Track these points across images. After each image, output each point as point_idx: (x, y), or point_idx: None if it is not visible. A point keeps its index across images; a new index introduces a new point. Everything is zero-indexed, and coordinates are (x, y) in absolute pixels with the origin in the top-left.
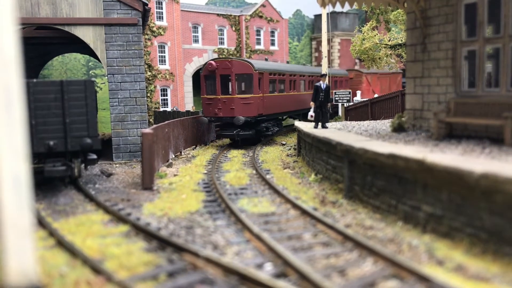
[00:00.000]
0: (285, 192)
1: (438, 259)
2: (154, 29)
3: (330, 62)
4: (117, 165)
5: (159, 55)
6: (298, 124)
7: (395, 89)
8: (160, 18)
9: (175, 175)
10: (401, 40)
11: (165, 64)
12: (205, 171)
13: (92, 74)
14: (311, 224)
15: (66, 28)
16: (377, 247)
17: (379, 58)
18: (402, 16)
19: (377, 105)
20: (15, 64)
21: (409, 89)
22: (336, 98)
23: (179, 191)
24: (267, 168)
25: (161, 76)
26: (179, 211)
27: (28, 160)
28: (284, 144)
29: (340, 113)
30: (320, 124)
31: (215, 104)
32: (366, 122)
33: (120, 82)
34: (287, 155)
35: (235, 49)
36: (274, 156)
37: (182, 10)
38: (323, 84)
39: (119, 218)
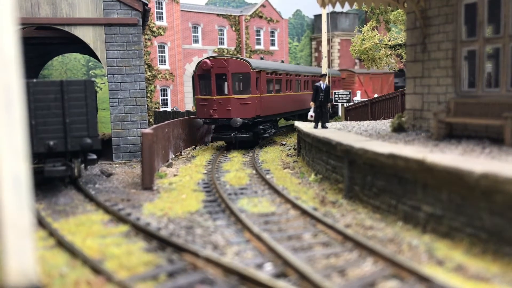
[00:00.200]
0: (285, 192)
1: (438, 259)
2: (154, 29)
3: (330, 62)
4: (117, 165)
5: (159, 55)
6: (298, 124)
7: (387, 90)
8: (160, 18)
9: (175, 175)
10: (401, 40)
11: (165, 64)
12: (205, 171)
13: (92, 74)
14: (311, 224)
15: (66, 28)
16: (377, 247)
17: (379, 58)
18: (402, 16)
19: (377, 105)
20: (15, 64)
21: (409, 89)
22: (336, 98)
23: (179, 191)
24: (267, 168)
25: (161, 76)
26: (179, 211)
27: (28, 160)
28: (284, 144)
29: (340, 113)
30: (320, 124)
31: (210, 105)
32: (366, 122)
33: (120, 82)
34: (287, 155)
35: (235, 49)
36: (274, 156)
37: (182, 10)
38: (323, 84)
39: (119, 218)
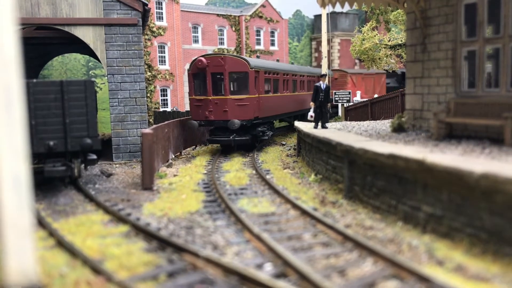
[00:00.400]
0: (285, 192)
1: (438, 259)
2: (154, 29)
3: (330, 62)
4: (117, 165)
5: (159, 56)
6: (298, 124)
7: (379, 90)
8: (160, 18)
9: (175, 175)
10: (401, 40)
11: (165, 65)
12: (205, 171)
13: (92, 74)
14: (311, 224)
15: (66, 28)
16: (377, 247)
17: (379, 58)
18: (402, 16)
19: (377, 105)
20: (15, 64)
21: (409, 89)
22: (336, 99)
23: (179, 191)
24: (267, 168)
25: (161, 76)
26: (179, 211)
27: (28, 160)
28: (284, 144)
29: (340, 113)
30: (320, 124)
31: (205, 106)
32: (366, 122)
33: (120, 82)
34: (287, 155)
35: (235, 49)
36: (274, 156)
37: (182, 11)
38: (323, 84)
39: (119, 218)
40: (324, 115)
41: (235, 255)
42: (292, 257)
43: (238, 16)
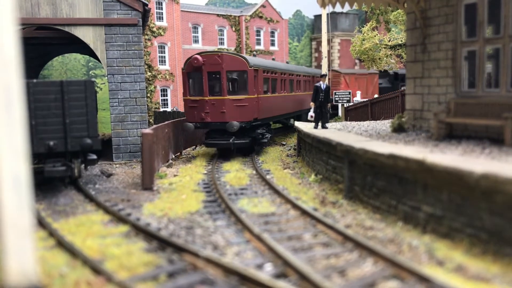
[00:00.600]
0: (285, 192)
1: (438, 260)
2: (154, 29)
3: (330, 62)
4: (117, 166)
5: (159, 56)
6: (298, 124)
7: (372, 90)
8: (160, 18)
9: (175, 175)
10: (401, 41)
11: (165, 65)
12: (205, 171)
13: (92, 74)
14: (311, 225)
15: (66, 29)
16: (377, 247)
17: (379, 58)
18: (402, 17)
19: (377, 106)
20: (15, 64)
21: (409, 89)
22: (336, 99)
23: (179, 191)
24: (267, 169)
25: (161, 76)
26: (179, 211)
27: (28, 160)
28: (284, 144)
29: (340, 113)
30: (320, 124)
31: (201, 107)
32: (366, 123)
33: (120, 83)
34: (287, 155)
35: (235, 49)
36: (274, 156)
37: (182, 11)
38: (323, 84)
39: (119, 218)
40: (324, 115)
41: (235, 255)
42: (292, 257)
43: (238, 16)
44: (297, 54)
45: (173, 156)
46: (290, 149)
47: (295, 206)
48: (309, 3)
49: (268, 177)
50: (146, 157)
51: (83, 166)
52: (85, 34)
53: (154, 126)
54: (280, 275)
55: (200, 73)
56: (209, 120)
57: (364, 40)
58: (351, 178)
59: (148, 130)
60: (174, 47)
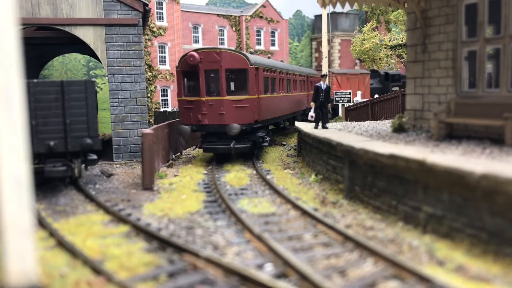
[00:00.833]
0: (285, 192)
1: (439, 260)
2: (155, 29)
3: (330, 62)
4: (117, 166)
5: (159, 56)
6: (299, 124)
7: (364, 90)
8: (160, 18)
9: (175, 176)
10: (402, 41)
11: (165, 65)
12: (205, 172)
13: (93, 74)
14: (312, 225)
15: (67, 29)
16: (378, 247)
17: (380, 58)
18: (402, 17)
19: (377, 106)
20: (16, 64)
21: (410, 89)
22: (337, 99)
23: (179, 191)
24: (267, 169)
25: (162, 76)
26: (180, 211)
27: (29, 160)
28: (284, 145)
29: (340, 113)
30: (320, 124)
31: (198, 109)
32: (366, 123)
33: (121, 83)
34: (288, 156)
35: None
36: (274, 156)
37: (182, 11)
38: (323, 84)
39: (119, 218)
40: (324, 115)
41: (236, 255)
42: (293, 258)
43: (239, 16)
44: (297, 54)
45: (174, 156)
46: (290, 149)
47: (296, 206)
48: (309, 3)
49: (268, 177)
50: (147, 157)
51: (83, 166)
52: (86, 34)
53: (155, 126)
54: (281, 275)
55: (196, 71)
56: (207, 123)
57: (364, 40)
58: (352, 178)
59: (148, 130)
60: (174, 47)
